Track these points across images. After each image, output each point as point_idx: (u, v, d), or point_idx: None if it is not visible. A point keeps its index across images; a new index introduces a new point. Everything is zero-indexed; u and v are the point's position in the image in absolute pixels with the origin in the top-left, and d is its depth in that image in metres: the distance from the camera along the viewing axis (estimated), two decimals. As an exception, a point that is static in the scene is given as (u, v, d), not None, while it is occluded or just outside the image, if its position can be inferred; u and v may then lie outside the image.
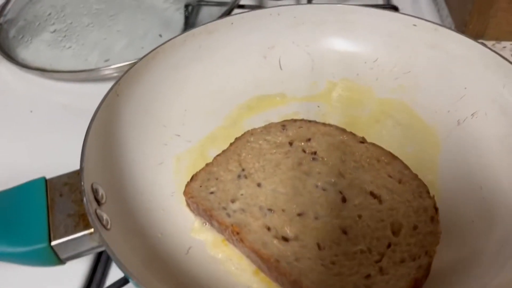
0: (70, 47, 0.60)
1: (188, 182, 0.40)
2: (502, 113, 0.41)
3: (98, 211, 0.33)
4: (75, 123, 0.52)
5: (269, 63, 0.52)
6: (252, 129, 0.44)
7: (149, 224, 0.37)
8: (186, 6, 0.67)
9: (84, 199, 0.32)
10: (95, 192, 0.34)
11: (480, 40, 0.57)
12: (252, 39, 0.51)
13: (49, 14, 0.62)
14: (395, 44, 0.50)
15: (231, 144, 0.43)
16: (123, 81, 0.43)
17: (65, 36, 0.60)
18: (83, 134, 0.50)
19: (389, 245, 0.33)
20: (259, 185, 0.38)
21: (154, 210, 0.39)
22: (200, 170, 0.40)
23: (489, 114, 0.42)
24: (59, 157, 0.47)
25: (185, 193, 0.39)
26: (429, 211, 0.35)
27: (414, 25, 0.48)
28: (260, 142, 0.42)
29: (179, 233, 0.37)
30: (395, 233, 0.34)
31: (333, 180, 0.38)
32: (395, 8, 0.63)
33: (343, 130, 0.43)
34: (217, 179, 0.39)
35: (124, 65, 0.55)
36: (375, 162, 0.39)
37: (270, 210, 0.36)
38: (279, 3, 0.65)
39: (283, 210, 0.36)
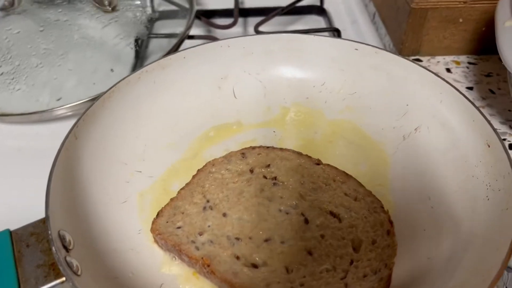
0: (19, 89, 0.59)
1: (154, 219, 0.40)
2: (442, 127, 0.45)
3: (67, 258, 0.33)
4: (32, 166, 0.52)
5: (223, 93, 0.53)
6: (213, 160, 0.45)
7: (119, 265, 0.38)
8: (136, 40, 0.68)
9: (53, 249, 0.32)
10: (62, 239, 0.34)
11: (416, 56, 0.62)
12: (205, 71, 0.53)
13: (-5, 57, 0.61)
14: (339, 67, 0.53)
15: (193, 177, 0.44)
16: (81, 123, 0.43)
17: (13, 78, 0.59)
18: (42, 177, 0.49)
19: (351, 262, 0.36)
20: (224, 215, 0.40)
21: (122, 251, 0.39)
22: (165, 206, 0.41)
23: (431, 128, 0.46)
24: (21, 204, 0.47)
25: (152, 230, 0.40)
26: (385, 225, 0.38)
27: (356, 49, 0.51)
28: (222, 172, 0.44)
29: (150, 270, 0.38)
30: (355, 249, 0.37)
31: (294, 203, 0.40)
32: (337, 31, 0.66)
33: (300, 154, 0.45)
34: (183, 213, 0.40)
35: (78, 104, 0.55)
36: (331, 182, 0.42)
37: (237, 239, 0.38)
38: (227, 33, 0.68)
39: (250, 238, 0.38)
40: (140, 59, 0.67)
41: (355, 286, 0.34)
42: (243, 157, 0.45)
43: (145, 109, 0.49)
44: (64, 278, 0.32)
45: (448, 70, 0.61)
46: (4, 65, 0.61)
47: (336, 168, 0.43)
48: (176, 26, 0.69)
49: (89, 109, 0.44)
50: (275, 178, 0.43)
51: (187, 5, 0.70)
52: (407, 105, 0.49)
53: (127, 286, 0.36)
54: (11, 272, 0.32)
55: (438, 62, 0.62)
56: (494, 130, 0.40)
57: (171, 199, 0.42)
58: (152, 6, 0.73)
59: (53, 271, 0.32)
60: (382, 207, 0.40)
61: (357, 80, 0.52)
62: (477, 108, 0.42)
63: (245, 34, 0.73)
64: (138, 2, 0.72)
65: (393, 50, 0.64)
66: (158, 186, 0.45)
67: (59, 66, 0.61)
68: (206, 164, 0.45)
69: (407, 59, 0.49)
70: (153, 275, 0.38)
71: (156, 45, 0.69)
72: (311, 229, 0.38)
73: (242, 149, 0.46)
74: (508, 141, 0.51)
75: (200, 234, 0.38)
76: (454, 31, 0.61)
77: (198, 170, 0.44)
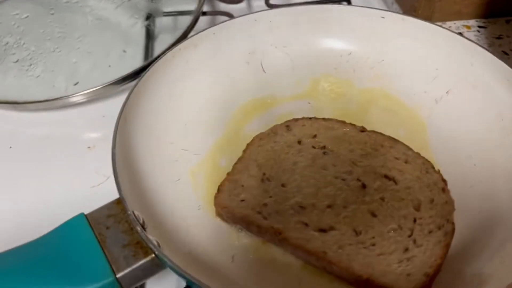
0: (38, 75, 0.57)
1: (216, 194, 0.41)
2: (473, 89, 0.47)
3: (149, 236, 0.34)
4: (64, 152, 0.52)
5: (252, 68, 0.54)
6: (259, 134, 0.46)
7: (188, 241, 0.38)
8: (147, 18, 0.67)
9: (138, 228, 0.33)
10: (138, 218, 0.35)
11: (429, 23, 0.63)
12: (233, 47, 0.53)
13: (7, 43, 0.59)
14: (366, 36, 0.54)
15: (244, 151, 0.45)
16: (128, 105, 0.43)
17: (30, 64, 0.58)
18: (74, 163, 0.50)
19: (414, 220, 0.38)
20: (283, 185, 0.41)
21: (187, 227, 0.40)
22: (223, 181, 0.42)
23: (462, 91, 0.48)
24: (67, 191, 0.47)
25: (216, 205, 0.40)
26: (438, 183, 0.40)
27: (382, 17, 0.52)
28: (271, 144, 0.45)
29: (219, 244, 0.39)
30: (416, 208, 0.39)
31: (349, 170, 0.42)
32: (347, 1, 0.67)
33: (343, 122, 0.46)
34: (242, 186, 0.41)
35: (98, 88, 0.54)
36: (379, 148, 0.43)
37: (301, 207, 0.39)
38: (235, 8, 0.67)
39: (313, 205, 0.39)
40: (151, 39, 0.66)
41: (422, 242, 0.36)
42: (288, 129, 0.46)
43: (181, 88, 0.49)
44: (153, 255, 0.33)
45: (460, 34, 0.63)
46: (18, 51, 0.59)
47: (381, 134, 0.44)
48: (184, 4, 0.68)
49: (133, 90, 0.44)
50: (324, 147, 0.44)
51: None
52: (437, 69, 0.50)
53: (201, 258, 0.37)
54: (98, 254, 0.32)
55: (450, 27, 0.64)
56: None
57: (228, 174, 0.42)
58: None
59: (141, 249, 0.33)
60: (433, 167, 0.41)
61: (384, 48, 0.53)
62: (510, 67, 0.44)
63: (253, 8, 0.72)
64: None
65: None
66: (207, 163, 0.46)
67: (78, 49, 0.59)
68: (253, 138, 0.45)
69: (436, 24, 0.50)
70: (223, 247, 0.39)
71: (167, 24, 0.68)
72: (370, 193, 0.40)
73: (286, 121, 0.47)
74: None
75: (265, 205, 0.39)
76: (464, -4, 0.63)
77: (248, 145, 0.45)
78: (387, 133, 0.46)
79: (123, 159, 0.39)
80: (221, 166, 0.45)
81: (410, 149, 0.43)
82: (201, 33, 0.51)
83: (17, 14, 0.62)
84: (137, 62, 0.63)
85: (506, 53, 0.60)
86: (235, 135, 0.48)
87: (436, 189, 0.40)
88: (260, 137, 0.46)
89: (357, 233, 0.37)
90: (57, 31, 0.60)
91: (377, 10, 0.53)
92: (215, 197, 0.41)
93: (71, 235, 0.33)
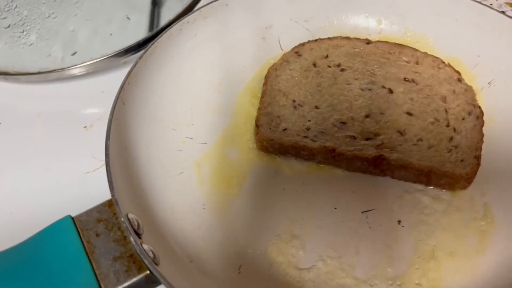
0: (31, 43, 0.52)
1: (256, 130, 0.40)
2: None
3: (144, 246, 0.29)
4: (57, 132, 0.47)
5: (268, 44, 0.48)
6: (273, 65, 0.45)
7: (190, 247, 0.34)
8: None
9: (131, 238, 0.28)
10: (132, 223, 0.30)
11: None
12: (248, 21, 0.47)
13: (-3, 6, 0.53)
14: (399, 12, 0.48)
15: (264, 84, 0.44)
16: (127, 86, 0.37)
17: (23, 31, 0.52)
18: (68, 145, 0.45)
19: (446, 111, 0.40)
20: (316, 107, 0.41)
21: (190, 230, 0.35)
22: (257, 116, 0.41)
23: (508, 83, 0.42)
24: (59, 183, 0.42)
25: (260, 140, 0.40)
26: (453, 76, 0.42)
27: (418, -8, 0.46)
28: (288, 72, 0.44)
29: (226, 250, 0.34)
30: (443, 101, 0.41)
31: (371, 80, 0.43)
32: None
33: (348, 38, 0.46)
34: (278, 117, 0.41)
35: (99, 61, 0.49)
36: (389, 56, 0.44)
37: (342, 123, 0.40)
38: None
39: (352, 119, 0.40)
40: (158, 6, 0.60)
41: (461, 128, 0.39)
42: (298, 55, 0.45)
43: (188, 66, 0.44)
44: (148, 272, 0.28)
45: (503, 12, 0.56)
46: (10, 15, 0.53)
47: (386, 42, 0.46)
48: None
49: (133, 69, 0.39)
50: (339, 65, 0.44)
51: None
52: (479, 56, 0.44)
53: (204, 269, 0.33)
54: (85, 267, 0.27)
55: (491, 4, 0.57)
56: None
57: (259, 108, 0.42)
58: None
59: (134, 264, 0.28)
60: (443, 62, 0.43)
61: (418, 27, 0.47)
62: None
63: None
64: None
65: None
66: (215, 153, 0.40)
67: (75, 16, 0.53)
68: (268, 70, 0.45)
69: (481, 3, 0.44)
70: (229, 256, 0.34)
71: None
72: (399, 96, 0.41)
73: (293, 48, 0.46)
74: None
75: (308, 129, 0.40)
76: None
77: (265, 77, 0.44)
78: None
79: (119, 151, 0.35)
80: (230, 158, 0.40)
81: (416, 50, 0.45)
82: (212, 3, 0.45)
83: (9, -27, 0.56)
84: (142, 31, 0.57)
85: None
86: (247, 123, 0.43)
87: (453, 81, 0.42)
88: (275, 68, 0.45)
89: (401, 133, 0.39)
90: (52, -6, 0.54)
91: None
92: (256, 133, 0.40)
93: (54, 242, 0.29)
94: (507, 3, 0.58)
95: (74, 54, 0.53)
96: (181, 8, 0.53)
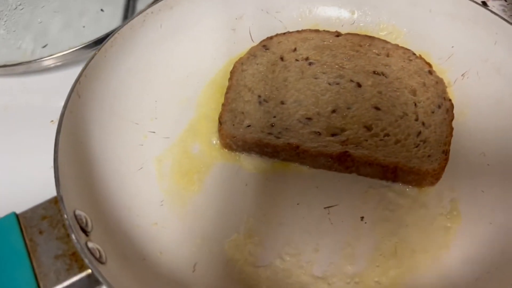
0: (-1, 36, 0.51)
1: (219, 126, 0.39)
2: (497, 72, 0.40)
3: (89, 244, 0.28)
4: (24, 128, 0.46)
5: (239, 35, 0.47)
6: (239, 59, 0.44)
7: (145, 244, 0.33)
8: (128, -27, 0.59)
9: (73, 236, 0.27)
10: (79, 220, 0.29)
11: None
12: (218, 11, 0.46)
13: (-36, -2, 0.52)
14: (372, 3, 0.46)
15: (229, 79, 0.42)
16: (83, 79, 0.36)
17: (-11, 23, 0.51)
18: (34, 139, 0.44)
19: (415, 104, 0.39)
20: (283, 102, 0.40)
21: (145, 226, 0.34)
22: (221, 112, 0.40)
23: (482, 74, 0.41)
24: (18, 180, 0.41)
25: (223, 136, 0.39)
26: (424, 68, 0.41)
27: (392, -19, 0.45)
28: (254, 67, 0.43)
29: (181, 247, 0.34)
30: (413, 94, 0.40)
31: (339, 74, 0.42)
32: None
33: (317, 31, 0.45)
34: (242, 113, 0.40)
35: (70, 52, 0.48)
36: (359, 48, 0.43)
37: (308, 118, 0.39)
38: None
39: (318, 114, 0.39)
40: (133, -3, 0.59)
41: (430, 122, 0.38)
42: (266, 49, 0.44)
43: (152, 58, 0.43)
44: (89, 271, 0.27)
45: (484, 3, 0.55)
46: (-23, 8, 0.52)
47: (357, 34, 0.45)
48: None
49: (90, 61, 0.37)
50: (307, 58, 0.43)
51: None
52: (452, 47, 0.43)
53: (157, 267, 0.32)
54: (25, 266, 0.27)
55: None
56: None
57: (223, 104, 0.40)
58: None
59: (76, 262, 0.27)
60: (414, 54, 0.42)
61: (392, 18, 0.46)
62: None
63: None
64: None
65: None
66: (177, 148, 0.39)
67: (42, 7, 0.52)
68: (235, 65, 0.43)
69: (455, -7, 0.42)
70: (183, 251, 0.33)
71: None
72: (367, 90, 0.40)
73: (261, 42, 0.45)
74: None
75: (272, 125, 0.39)
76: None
77: (231, 72, 0.43)
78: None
79: (73, 146, 0.34)
80: (193, 154, 0.39)
81: (387, 42, 0.44)
82: (177, -7, 0.44)
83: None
84: (115, 22, 0.55)
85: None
86: (211, 118, 0.41)
87: (423, 73, 0.41)
88: (241, 62, 0.43)
89: (368, 128, 0.38)
90: (21, -15, 0.53)
91: (388, -27, 0.45)
92: (219, 130, 0.39)
93: (-4, 240, 0.28)
94: (488, -7, 0.56)
95: (44, 46, 0.52)
96: (156, 0, 0.51)
